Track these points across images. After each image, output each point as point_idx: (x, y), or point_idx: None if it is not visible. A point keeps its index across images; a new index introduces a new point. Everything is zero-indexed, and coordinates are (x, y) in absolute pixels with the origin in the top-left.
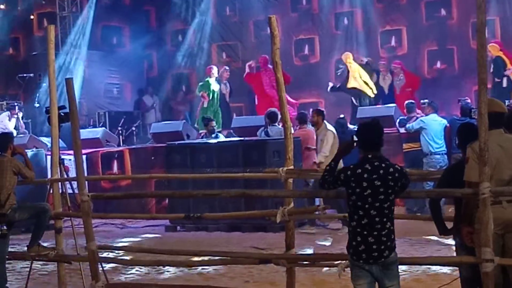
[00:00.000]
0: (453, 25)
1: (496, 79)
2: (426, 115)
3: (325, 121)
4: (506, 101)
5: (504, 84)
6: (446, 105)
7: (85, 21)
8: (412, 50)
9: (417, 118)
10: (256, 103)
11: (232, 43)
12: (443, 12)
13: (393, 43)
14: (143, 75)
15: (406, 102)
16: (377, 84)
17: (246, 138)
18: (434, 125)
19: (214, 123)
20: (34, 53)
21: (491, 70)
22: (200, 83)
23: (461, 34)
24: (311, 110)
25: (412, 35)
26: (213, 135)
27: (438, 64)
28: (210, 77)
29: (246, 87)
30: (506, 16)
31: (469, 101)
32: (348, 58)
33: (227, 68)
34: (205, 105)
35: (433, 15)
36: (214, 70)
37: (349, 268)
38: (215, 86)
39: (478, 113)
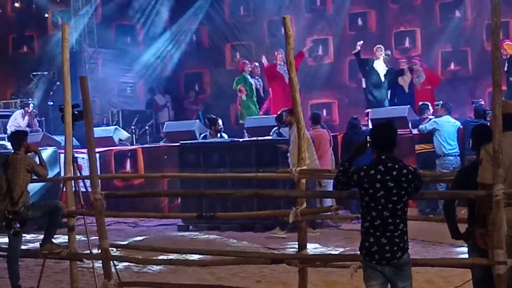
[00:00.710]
0: (467, 27)
1: (511, 78)
2: (440, 116)
3: None
4: None
5: None
6: (459, 106)
7: (99, 20)
8: (426, 51)
9: (429, 119)
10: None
11: (246, 43)
12: (457, 13)
13: (407, 44)
14: (156, 74)
15: (420, 103)
16: (394, 82)
17: (259, 138)
18: (447, 126)
19: (220, 122)
20: (48, 51)
21: (506, 69)
22: (236, 78)
23: (475, 36)
24: (324, 110)
25: (426, 36)
26: (218, 135)
27: (452, 66)
28: (245, 71)
29: None
30: None
31: (482, 102)
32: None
33: (257, 64)
34: (244, 98)
35: (447, 16)
36: (247, 65)
37: (361, 269)
38: (251, 80)
39: (492, 115)
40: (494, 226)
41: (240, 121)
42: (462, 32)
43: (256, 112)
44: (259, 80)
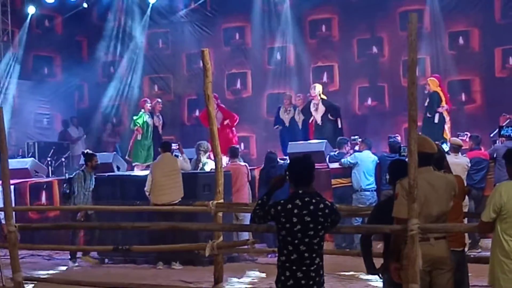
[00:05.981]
0: (384, 63)
1: (428, 114)
2: (360, 151)
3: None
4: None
5: (436, 120)
6: (376, 142)
7: (16, 50)
8: (343, 86)
9: (348, 154)
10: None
11: (164, 75)
12: (374, 49)
13: (325, 79)
14: (73, 106)
15: (339, 138)
16: (293, 119)
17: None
18: (367, 161)
19: (97, 158)
20: None
21: (426, 104)
22: (135, 117)
23: (392, 72)
24: (242, 144)
25: (343, 71)
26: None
27: (369, 101)
28: (144, 109)
29: (178, 119)
30: (436, 55)
31: (399, 138)
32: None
33: (160, 100)
34: (139, 137)
35: (365, 52)
36: (148, 103)
37: None
38: (148, 119)
39: (408, 150)
40: (409, 261)
41: (127, 157)
42: (379, 68)
43: (143, 158)
44: (160, 117)
